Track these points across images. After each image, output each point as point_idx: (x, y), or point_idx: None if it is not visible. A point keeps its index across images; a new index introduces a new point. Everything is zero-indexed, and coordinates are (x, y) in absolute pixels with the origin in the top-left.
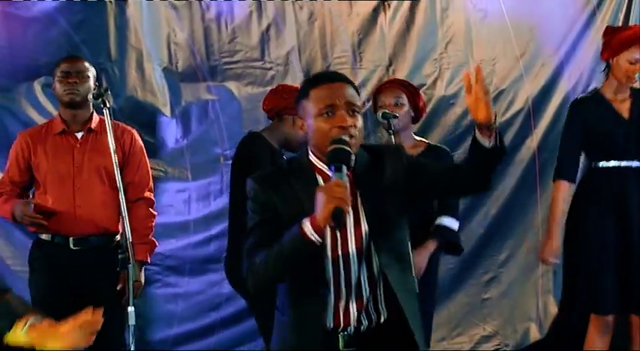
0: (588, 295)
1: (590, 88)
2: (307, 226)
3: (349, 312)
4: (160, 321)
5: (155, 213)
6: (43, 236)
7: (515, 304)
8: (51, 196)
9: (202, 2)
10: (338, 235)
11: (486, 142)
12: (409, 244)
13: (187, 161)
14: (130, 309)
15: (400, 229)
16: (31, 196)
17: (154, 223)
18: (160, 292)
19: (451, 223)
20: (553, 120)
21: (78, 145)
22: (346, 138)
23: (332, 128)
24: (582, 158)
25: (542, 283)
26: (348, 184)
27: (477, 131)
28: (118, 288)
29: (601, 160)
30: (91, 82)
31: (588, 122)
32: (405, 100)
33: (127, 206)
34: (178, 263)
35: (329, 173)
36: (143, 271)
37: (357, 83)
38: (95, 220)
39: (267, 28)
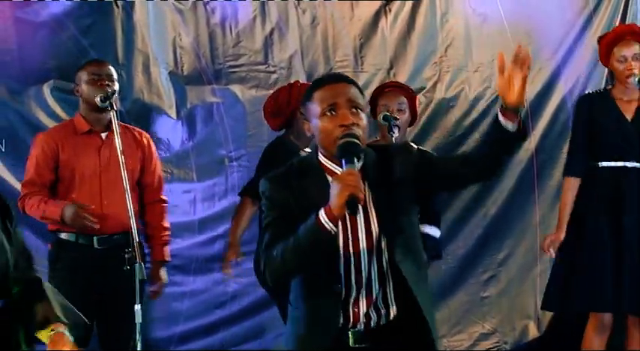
0: (585, 293)
1: (588, 90)
2: (323, 216)
3: (359, 308)
4: (166, 319)
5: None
6: (64, 236)
7: (514, 302)
8: (77, 195)
9: (207, 7)
10: (349, 231)
11: (509, 125)
12: (420, 238)
13: (192, 163)
14: (137, 307)
15: (411, 225)
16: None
17: (168, 226)
18: (166, 291)
19: (433, 231)
20: (550, 122)
21: (103, 145)
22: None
23: (335, 127)
24: None
25: (540, 282)
26: (360, 175)
27: (500, 114)
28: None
29: (600, 160)
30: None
31: (593, 118)
32: (406, 105)
33: (145, 207)
34: (184, 262)
35: (338, 172)
36: (165, 270)
37: None
38: (120, 219)
39: (271, 32)
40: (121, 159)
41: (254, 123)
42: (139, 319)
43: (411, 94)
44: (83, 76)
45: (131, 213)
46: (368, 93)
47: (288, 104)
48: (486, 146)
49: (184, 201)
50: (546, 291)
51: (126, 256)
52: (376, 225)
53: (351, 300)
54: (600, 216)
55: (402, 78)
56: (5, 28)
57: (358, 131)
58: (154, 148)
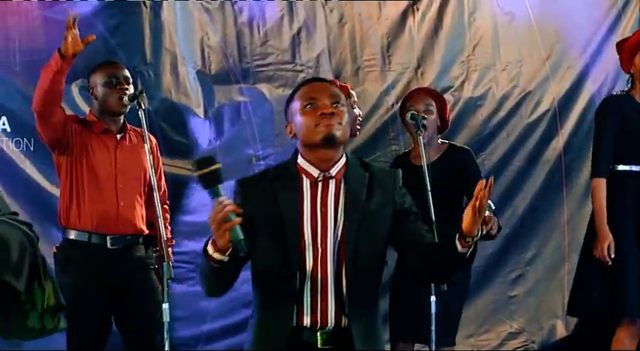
0: (614, 296)
1: (616, 89)
2: (210, 248)
3: (327, 309)
4: (193, 318)
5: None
6: (72, 236)
7: (542, 302)
8: (92, 196)
9: (235, 6)
10: (318, 233)
11: (459, 247)
12: (381, 267)
13: (220, 162)
14: (165, 306)
15: (378, 248)
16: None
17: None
18: (193, 290)
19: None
20: (579, 121)
21: (119, 146)
22: (213, 159)
23: (314, 116)
24: None
25: (567, 281)
26: (226, 199)
27: (459, 234)
28: None
29: (623, 163)
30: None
31: (621, 119)
32: (433, 107)
33: (148, 211)
34: None
35: (314, 175)
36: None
37: (385, 85)
38: (134, 220)
39: (298, 32)
40: (149, 157)
41: (281, 122)
42: (166, 317)
43: (439, 98)
44: (99, 78)
45: (159, 212)
46: (394, 92)
47: None
48: (434, 253)
49: (211, 200)
50: (571, 296)
51: (154, 255)
52: (342, 232)
53: (319, 301)
54: (625, 219)
55: (429, 77)
56: (34, 27)
57: (337, 120)
58: (159, 153)
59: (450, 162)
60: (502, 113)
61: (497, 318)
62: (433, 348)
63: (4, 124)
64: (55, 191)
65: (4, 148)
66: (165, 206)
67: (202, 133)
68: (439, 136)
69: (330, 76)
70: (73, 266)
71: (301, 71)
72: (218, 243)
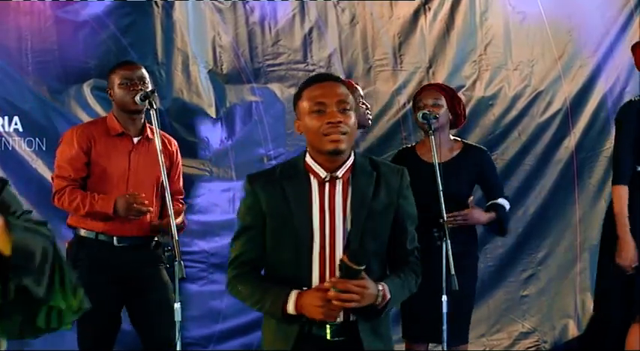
0: (630, 298)
1: (628, 88)
2: (290, 305)
3: None
4: (206, 317)
5: (183, 219)
6: (83, 233)
7: (554, 301)
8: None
9: (247, 6)
10: (327, 228)
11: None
12: (384, 265)
13: (232, 161)
14: (177, 305)
15: (382, 243)
16: None
17: (180, 221)
18: (205, 289)
19: (504, 202)
20: (591, 120)
21: (134, 149)
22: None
23: (322, 125)
24: None
25: (579, 281)
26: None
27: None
28: None
29: None
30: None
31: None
32: (443, 101)
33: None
34: (223, 261)
35: (322, 175)
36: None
37: (397, 85)
38: (142, 223)
39: (310, 31)
40: (161, 158)
41: (293, 122)
42: (178, 317)
43: (450, 93)
44: (115, 79)
45: (171, 212)
46: (406, 92)
47: None
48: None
49: (224, 200)
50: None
51: (166, 254)
52: (347, 231)
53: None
54: None
55: (441, 76)
56: (46, 27)
57: (345, 128)
58: (179, 157)
59: (465, 165)
60: (514, 113)
61: (509, 317)
62: (445, 348)
63: (15, 123)
64: None
65: (16, 148)
66: (180, 204)
67: (214, 132)
68: (452, 131)
69: (341, 76)
70: (81, 262)
71: (313, 71)
72: (311, 313)
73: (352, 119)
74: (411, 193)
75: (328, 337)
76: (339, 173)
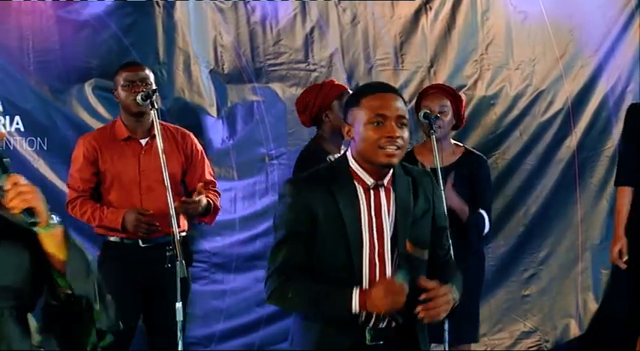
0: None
1: (629, 88)
2: (355, 302)
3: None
4: (208, 317)
5: (218, 205)
6: (112, 238)
7: (555, 301)
8: (116, 201)
9: (248, 5)
10: (375, 234)
11: None
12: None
13: (233, 161)
14: (178, 305)
15: (426, 244)
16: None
17: (216, 201)
18: (207, 289)
19: (484, 216)
20: (592, 120)
21: (143, 152)
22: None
23: (380, 138)
24: None
25: (581, 280)
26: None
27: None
28: None
29: None
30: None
31: None
32: (449, 107)
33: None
34: (225, 260)
35: (368, 182)
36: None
37: (398, 84)
38: (162, 224)
39: (311, 31)
40: (163, 158)
41: (294, 121)
42: (179, 316)
43: (455, 97)
44: (119, 80)
45: (172, 212)
46: (407, 92)
47: (314, 104)
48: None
49: (225, 199)
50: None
51: (167, 254)
52: (394, 238)
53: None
54: None
55: (442, 76)
56: (47, 27)
57: (401, 144)
58: (200, 147)
59: (466, 170)
60: (515, 112)
61: (510, 317)
62: (447, 348)
63: (17, 123)
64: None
65: (18, 148)
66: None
67: (215, 132)
68: (452, 132)
69: (343, 76)
70: (107, 265)
71: (314, 70)
72: (377, 307)
73: (407, 134)
74: (441, 191)
75: (367, 341)
76: (385, 181)
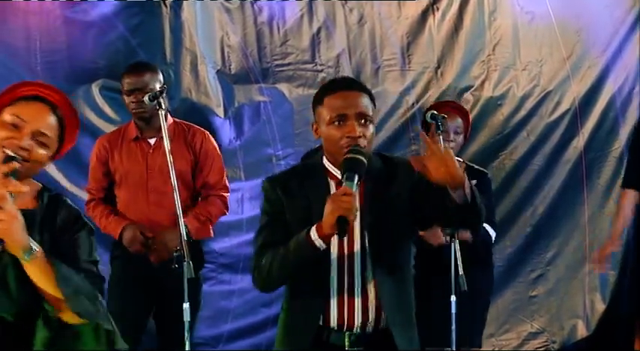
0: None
1: (637, 89)
2: (313, 232)
3: (354, 311)
4: (215, 317)
5: (225, 211)
6: None
7: (563, 302)
8: (126, 200)
9: (255, 6)
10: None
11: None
12: (411, 261)
13: (240, 161)
14: (185, 305)
15: (401, 243)
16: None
17: (214, 214)
18: (215, 289)
19: (488, 228)
20: (599, 121)
21: (151, 151)
22: (359, 148)
23: (342, 137)
24: None
25: (588, 281)
26: (357, 194)
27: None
28: None
29: None
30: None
31: None
32: (462, 129)
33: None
34: (232, 261)
35: (339, 177)
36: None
37: (405, 85)
38: (167, 223)
39: (318, 31)
40: (169, 158)
41: (301, 122)
42: (187, 317)
43: (467, 117)
44: (123, 85)
45: (179, 212)
46: (414, 92)
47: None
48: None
49: (232, 200)
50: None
51: (174, 254)
52: (364, 228)
53: (346, 302)
54: None
55: (449, 76)
56: (54, 27)
57: (363, 142)
58: (212, 145)
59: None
60: (522, 113)
61: (517, 318)
62: (454, 348)
63: None
64: (76, 191)
65: None
66: (218, 201)
67: (222, 132)
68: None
69: (350, 76)
70: (117, 263)
71: (321, 71)
72: (328, 220)
73: (370, 131)
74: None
75: (346, 346)
76: None
